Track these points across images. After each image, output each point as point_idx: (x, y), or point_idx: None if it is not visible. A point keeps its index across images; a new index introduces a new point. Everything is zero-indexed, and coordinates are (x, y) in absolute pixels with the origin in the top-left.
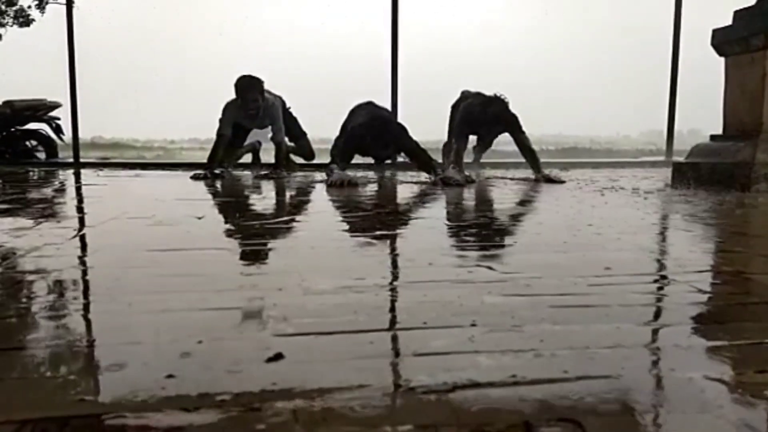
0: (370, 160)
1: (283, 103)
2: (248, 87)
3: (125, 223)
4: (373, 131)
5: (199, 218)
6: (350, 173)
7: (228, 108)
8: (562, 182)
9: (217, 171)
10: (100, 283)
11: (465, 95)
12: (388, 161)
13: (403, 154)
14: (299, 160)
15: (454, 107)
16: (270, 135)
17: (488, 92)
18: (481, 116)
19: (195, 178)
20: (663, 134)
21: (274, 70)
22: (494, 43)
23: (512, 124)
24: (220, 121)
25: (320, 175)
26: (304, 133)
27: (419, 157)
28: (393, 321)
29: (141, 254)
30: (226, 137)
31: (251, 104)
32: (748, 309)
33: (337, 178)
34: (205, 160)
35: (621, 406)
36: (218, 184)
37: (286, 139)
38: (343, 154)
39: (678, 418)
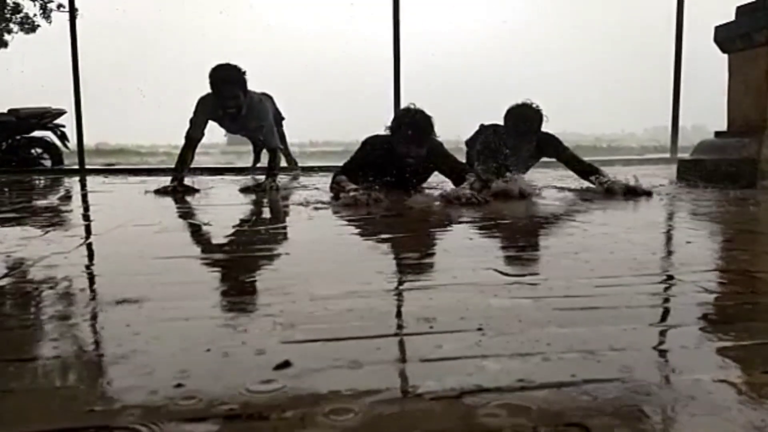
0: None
1: (274, 104)
2: (225, 78)
3: (131, 230)
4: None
5: (206, 224)
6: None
7: (201, 104)
8: (649, 194)
9: (187, 182)
10: (108, 292)
11: (482, 130)
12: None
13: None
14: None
15: (470, 143)
16: (261, 139)
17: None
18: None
19: (159, 192)
20: (668, 131)
21: (278, 73)
22: (497, 43)
23: (549, 145)
24: (191, 121)
25: (319, 185)
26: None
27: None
28: (400, 326)
29: (147, 262)
30: (196, 141)
31: (230, 100)
32: (755, 308)
33: (353, 197)
34: (209, 165)
35: (628, 410)
36: (189, 199)
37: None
38: (355, 165)
39: (686, 420)
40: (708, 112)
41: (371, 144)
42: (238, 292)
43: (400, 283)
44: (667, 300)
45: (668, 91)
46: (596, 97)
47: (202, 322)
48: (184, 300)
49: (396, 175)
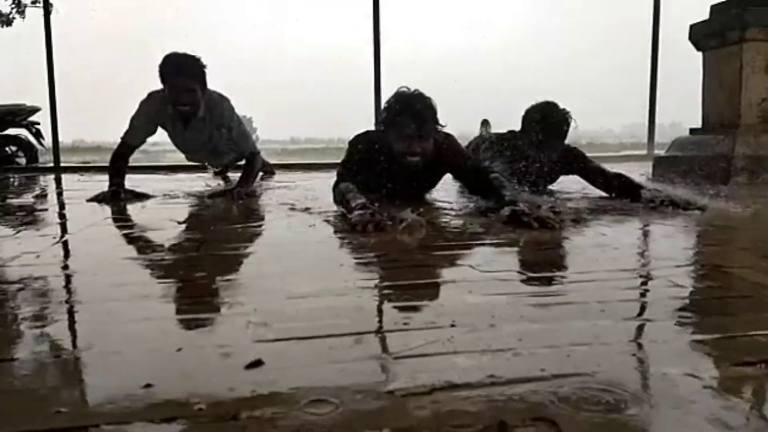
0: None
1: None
2: (178, 67)
3: (105, 229)
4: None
5: (180, 223)
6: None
7: (146, 102)
8: (702, 209)
9: (123, 192)
10: (79, 292)
11: (486, 138)
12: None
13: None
14: None
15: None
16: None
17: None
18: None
19: (98, 200)
20: (645, 128)
21: (258, 70)
22: (476, 41)
23: (576, 157)
24: (131, 121)
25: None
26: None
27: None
28: (374, 323)
29: (120, 262)
30: (131, 149)
31: (183, 94)
32: (726, 303)
33: (361, 219)
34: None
35: (596, 404)
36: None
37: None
38: (350, 172)
39: (652, 414)
40: (686, 109)
41: (361, 144)
42: (211, 291)
43: (380, 280)
44: (638, 295)
45: (645, 88)
46: (574, 95)
47: (174, 322)
48: (156, 299)
49: (396, 181)
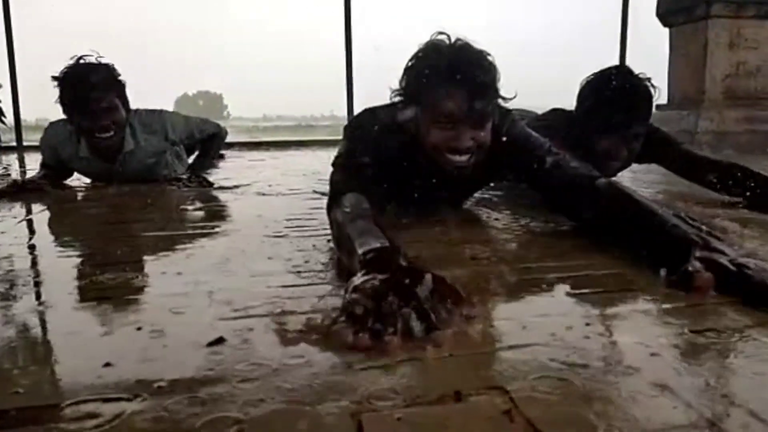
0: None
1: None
2: (90, 80)
3: (66, 208)
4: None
5: (149, 203)
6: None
7: (49, 135)
8: None
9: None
10: (39, 272)
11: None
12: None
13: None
14: None
15: None
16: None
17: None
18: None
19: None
20: None
21: (229, 46)
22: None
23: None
24: (42, 153)
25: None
26: None
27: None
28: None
29: (81, 241)
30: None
31: (103, 116)
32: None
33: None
34: None
35: (548, 374)
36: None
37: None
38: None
39: (603, 380)
40: (657, 84)
41: (369, 129)
42: (174, 270)
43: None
44: (587, 267)
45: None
46: (543, 71)
47: (134, 300)
48: (116, 278)
49: (422, 187)
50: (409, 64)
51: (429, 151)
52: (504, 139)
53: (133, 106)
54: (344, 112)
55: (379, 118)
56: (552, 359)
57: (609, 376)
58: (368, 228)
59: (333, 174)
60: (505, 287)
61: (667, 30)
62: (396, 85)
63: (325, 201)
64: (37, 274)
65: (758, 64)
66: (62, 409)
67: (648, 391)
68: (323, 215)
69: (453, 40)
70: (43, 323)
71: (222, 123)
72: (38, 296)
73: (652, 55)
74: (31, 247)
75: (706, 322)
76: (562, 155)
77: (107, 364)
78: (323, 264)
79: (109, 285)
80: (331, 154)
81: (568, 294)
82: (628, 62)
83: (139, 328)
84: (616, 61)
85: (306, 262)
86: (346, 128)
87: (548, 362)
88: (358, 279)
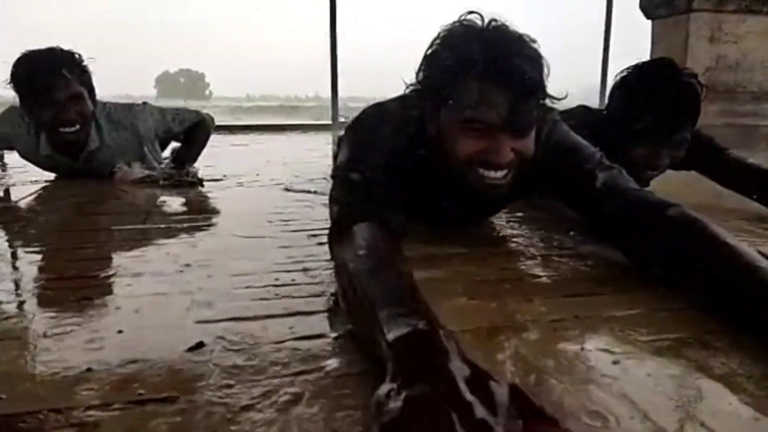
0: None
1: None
2: (52, 66)
3: (40, 200)
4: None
5: (124, 191)
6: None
7: (1, 122)
8: None
9: None
10: (15, 272)
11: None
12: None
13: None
14: None
15: None
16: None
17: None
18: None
19: None
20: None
21: (210, 29)
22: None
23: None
24: None
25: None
26: None
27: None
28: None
29: (58, 235)
30: None
31: (67, 107)
32: (635, 276)
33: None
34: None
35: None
36: None
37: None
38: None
39: (566, 388)
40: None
41: (386, 137)
42: (155, 269)
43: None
44: (556, 269)
45: (599, 54)
46: None
47: (115, 302)
48: (95, 277)
49: (445, 208)
50: (431, 51)
51: (455, 164)
52: (545, 145)
53: (113, 85)
54: (329, 93)
55: (390, 116)
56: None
57: (574, 384)
58: (394, 287)
59: (334, 190)
60: None
61: (649, 22)
62: (410, 79)
63: (299, 197)
64: (5, 274)
65: (738, 58)
66: (43, 415)
67: (611, 400)
68: (306, 210)
69: (487, 20)
70: (23, 324)
71: (204, 103)
72: (18, 294)
73: (634, 47)
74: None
75: None
76: (616, 170)
77: (89, 369)
78: (306, 261)
79: (89, 285)
80: (315, 139)
81: None
82: (611, 53)
83: (120, 331)
84: (599, 52)
85: (288, 258)
86: (347, 129)
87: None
88: (392, 389)
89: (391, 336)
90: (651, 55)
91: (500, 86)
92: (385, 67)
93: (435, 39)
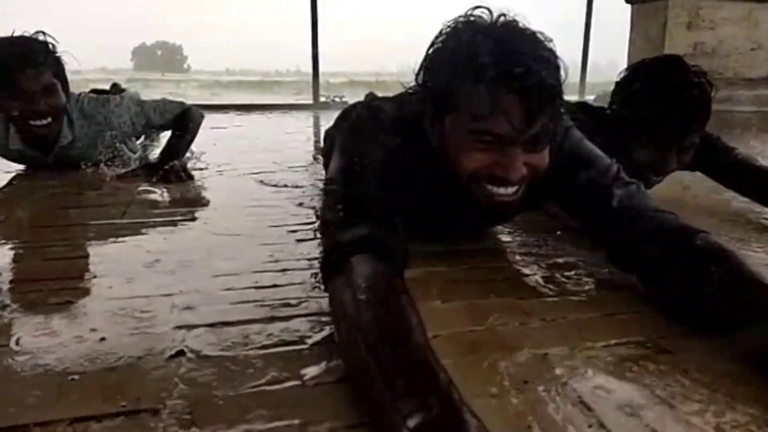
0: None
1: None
2: (22, 55)
3: (14, 192)
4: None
5: (106, 181)
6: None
7: None
8: None
9: None
10: None
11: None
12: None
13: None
14: None
15: None
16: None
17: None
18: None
19: None
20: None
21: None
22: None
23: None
24: None
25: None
26: None
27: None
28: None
29: (39, 233)
30: None
31: (38, 99)
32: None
33: None
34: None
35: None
36: None
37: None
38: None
39: (531, 396)
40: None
41: (384, 146)
42: (136, 271)
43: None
44: (518, 272)
45: (580, 34)
46: None
47: (98, 305)
48: (74, 279)
49: (448, 222)
50: (434, 50)
51: (461, 177)
52: (557, 154)
53: (90, 57)
54: (310, 68)
55: (388, 122)
56: None
57: (536, 391)
58: (406, 353)
59: (326, 210)
60: None
61: (629, 7)
62: (408, 83)
63: (273, 190)
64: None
65: (714, 45)
66: (27, 428)
67: (569, 409)
68: (288, 204)
69: (495, 16)
70: (5, 331)
71: (182, 76)
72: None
73: (614, 31)
74: None
75: None
76: (635, 186)
77: (72, 378)
78: (286, 261)
79: (68, 287)
80: (297, 118)
81: None
82: (599, 22)
83: (103, 339)
84: (579, 38)
85: (268, 256)
86: (340, 133)
87: None
88: None
89: (411, 423)
90: (630, 41)
91: (513, 93)
92: (367, 42)
93: (438, 36)
